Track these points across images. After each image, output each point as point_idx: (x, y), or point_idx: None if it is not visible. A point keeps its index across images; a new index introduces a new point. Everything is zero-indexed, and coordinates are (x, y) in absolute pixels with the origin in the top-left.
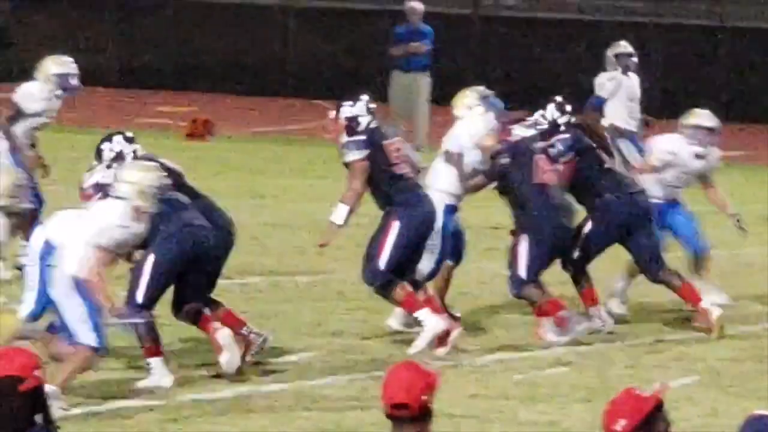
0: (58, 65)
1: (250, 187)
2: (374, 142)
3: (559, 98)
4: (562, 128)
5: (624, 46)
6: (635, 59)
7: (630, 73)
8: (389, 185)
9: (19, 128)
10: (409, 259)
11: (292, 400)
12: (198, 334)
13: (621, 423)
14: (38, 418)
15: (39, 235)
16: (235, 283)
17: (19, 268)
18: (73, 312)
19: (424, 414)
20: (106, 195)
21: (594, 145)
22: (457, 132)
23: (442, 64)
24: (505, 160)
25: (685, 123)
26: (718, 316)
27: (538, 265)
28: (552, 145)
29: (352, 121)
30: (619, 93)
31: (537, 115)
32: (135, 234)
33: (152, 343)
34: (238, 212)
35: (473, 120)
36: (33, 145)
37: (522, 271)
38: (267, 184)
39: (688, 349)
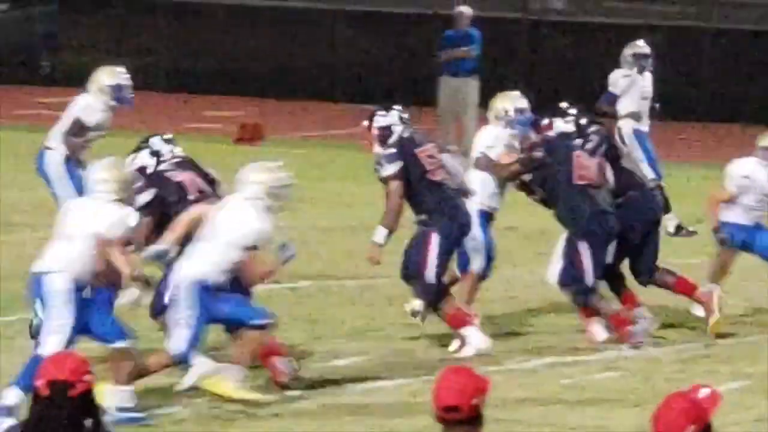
0: (111, 76)
1: (299, 191)
2: (406, 152)
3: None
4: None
5: (641, 46)
6: (651, 59)
7: (645, 73)
8: (426, 193)
9: (80, 142)
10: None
11: (341, 405)
12: None
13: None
14: (88, 422)
15: None
16: (284, 287)
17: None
18: (179, 315)
19: (474, 418)
20: (148, 182)
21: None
22: (482, 137)
23: (490, 68)
24: (539, 153)
25: (760, 145)
26: (718, 297)
27: (597, 270)
28: (588, 139)
29: (385, 130)
30: (632, 91)
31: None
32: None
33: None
34: (285, 215)
35: (491, 131)
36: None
37: (586, 278)
38: (316, 189)
39: (737, 353)
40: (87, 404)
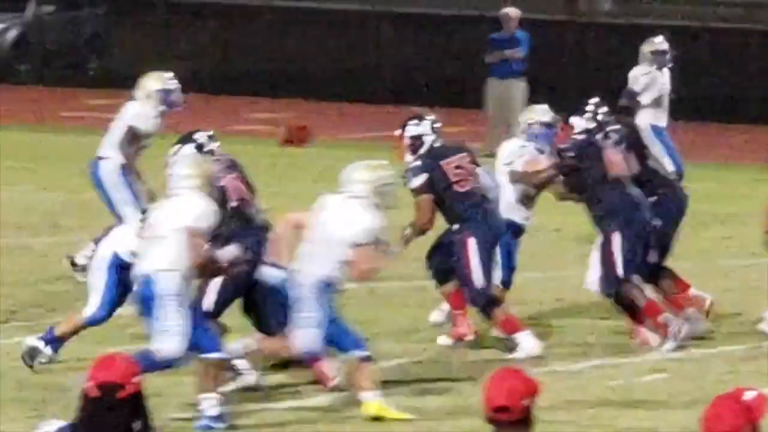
0: (159, 81)
1: None
2: (431, 165)
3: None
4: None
5: (659, 43)
6: (669, 56)
7: (663, 69)
8: (454, 203)
9: (134, 149)
10: None
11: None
12: None
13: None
14: (137, 424)
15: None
16: None
17: None
18: (305, 315)
19: (524, 419)
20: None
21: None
22: (504, 151)
23: (538, 70)
24: (570, 157)
25: None
26: (710, 301)
27: (631, 262)
28: (611, 133)
29: (417, 139)
30: (651, 88)
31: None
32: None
33: None
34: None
35: (513, 144)
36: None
37: (619, 269)
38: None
39: None
40: (136, 406)
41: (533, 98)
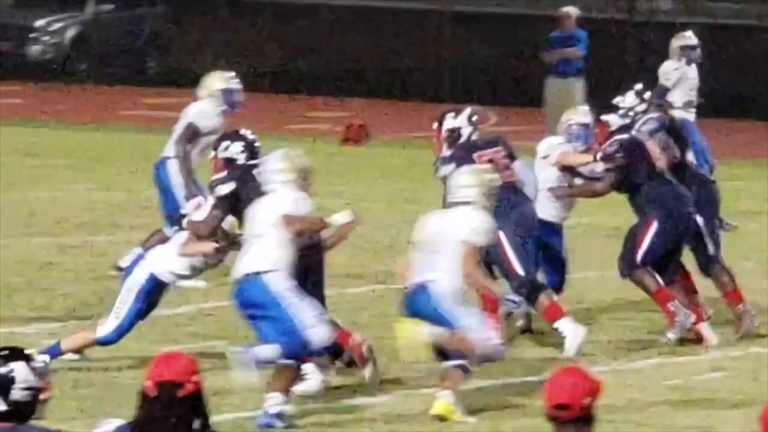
0: (222, 81)
1: (405, 192)
2: (463, 155)
3: (639, 86)
4: (639, 115)
5: (689, 38)
6: (698, 51)
7: (692, 65)
8: None
9: (196, 149)
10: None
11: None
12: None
13: None
14: (196, 423)
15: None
16: (392, 287)
17: None
18: (467, 321)
19: (585, 417)
20: (231, 172)
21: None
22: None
23: (596, 68)
24: (620, 157)
25: None
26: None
27: (654, 253)
28: (646, 123)
29: (454, 132)
30: (682, 83)
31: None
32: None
33: None
34: (393, 217)
35: (547, 141)
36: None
37: (639, 255)
38: (422, 190)
39: None
40: (195, 404)
41: (591, 97)
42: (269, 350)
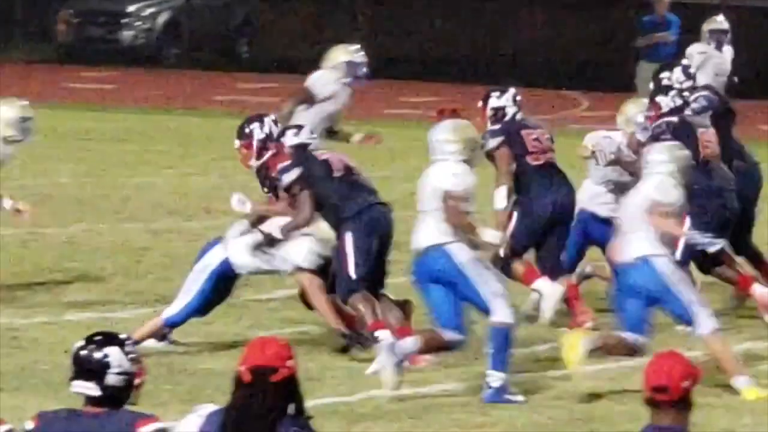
0: (347, 53)
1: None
2: (511, 130)
3: (686, 61)
4: (689, 93)
5: (719, 22)
6: (729, 35)
7: (724, 48)
8: (521, 174)
9: (309, 115)
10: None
11: (543, 390)
12: None
13: None
14: (290, 408)
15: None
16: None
17: None
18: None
19: (683, 401)
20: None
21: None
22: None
23: None
24: (666, 139)
25: None
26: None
27: (691, 251)
28: (695, 100)
29: (498, 111)
30: (706, 67)
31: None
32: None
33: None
34: (485, 201)
35: (614, 135)
36: (333, 131)
37: (678, 253)
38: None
39: None
40: (290, 389)
41: None
42: (411, 344)
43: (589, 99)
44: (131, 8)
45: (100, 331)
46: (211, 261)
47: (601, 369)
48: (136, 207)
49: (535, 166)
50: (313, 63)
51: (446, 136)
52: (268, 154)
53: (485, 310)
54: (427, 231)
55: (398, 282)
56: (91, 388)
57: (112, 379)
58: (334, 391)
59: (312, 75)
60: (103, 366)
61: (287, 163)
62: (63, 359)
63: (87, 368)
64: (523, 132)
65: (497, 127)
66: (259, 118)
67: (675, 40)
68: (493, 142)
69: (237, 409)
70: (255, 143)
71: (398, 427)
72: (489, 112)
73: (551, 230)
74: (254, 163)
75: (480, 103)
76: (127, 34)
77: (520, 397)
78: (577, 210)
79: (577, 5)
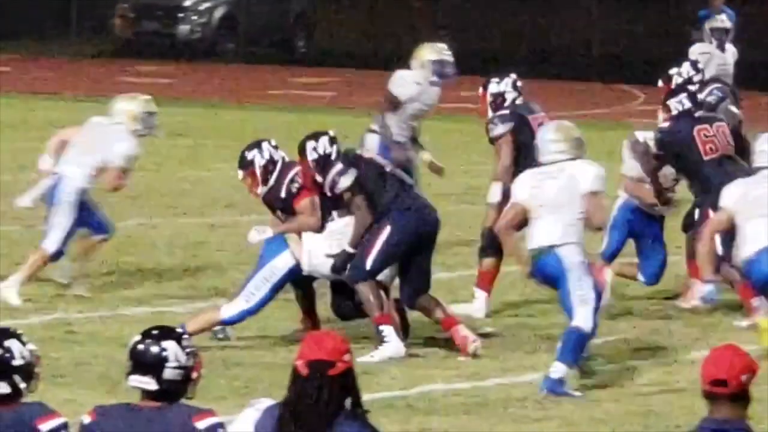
0: (434, 52)
1: None
2: (519, 116)
3: (694, 56)
4: (698, 86)
5: (721, 21)
6: (731, 34)
7: (727, 47)
8: (530, 159)
9: (395, 119)
10: None
11: (600, 385)
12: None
13: None
14: (347, 402)
15: None
16: None
17: None
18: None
19: (741, 395)
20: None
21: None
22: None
23: (746, 47)
24: (668, 138)
25: None
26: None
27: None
28: (709, 93)
29: (498, 97)
30: (709, 67)
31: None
32: None
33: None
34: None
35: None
36: (415, 139)
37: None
38: None
39: None
40: (346, 383)
41: (742, 75)
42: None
43: (646, 92)
44: (187, 2)
45: (156, 325)
46: (279, 268)
47: (658, 362)
48: (192, 201)
49: None
50: (369, 57)
51: (552, 137)
52: (272, 179)
53: (569, 312)
54: (547, 230)
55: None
56: (148, 383)
57: (169, 373)
58: (389, 385)
59: (394, 75)
60: (161, 360)
61: (340, 167)
62: (119, 353)
63: (144, 362)
64: (531, 117)
65: (506, 112)
66: (257, 145)
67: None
68: (502, 128)
69: (293, 404)
70: (258, 170)
71: (454, 421)
72: (489, 98)
73: None
74: (261, 190)
75: (480, 90)
76: (183, 29)
77: (577, 393)
78: (623, 202)
79: (633, 0)
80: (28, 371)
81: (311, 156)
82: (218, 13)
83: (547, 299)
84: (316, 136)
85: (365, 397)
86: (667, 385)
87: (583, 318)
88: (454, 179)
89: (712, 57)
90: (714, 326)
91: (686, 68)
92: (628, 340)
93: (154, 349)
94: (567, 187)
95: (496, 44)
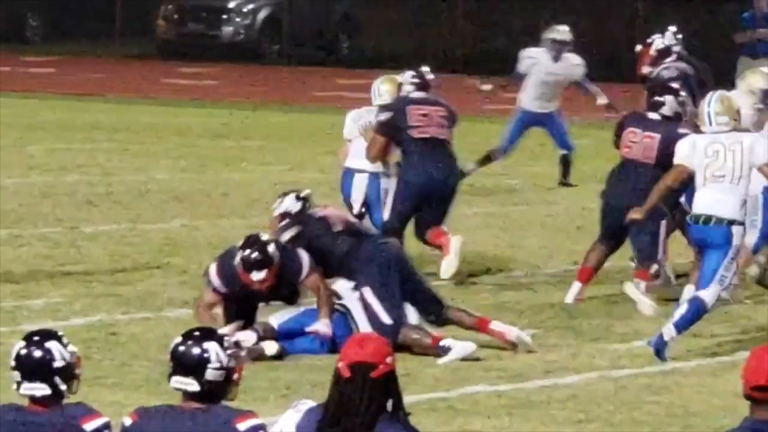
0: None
1: (599, 173)
2: (399, 107)
3: (673, 27)
4: (673, 57)
5: (561, 32)
6: (567, 46)
7: (566, 56)
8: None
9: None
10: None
11: (640, 386)
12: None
13: None
14: (389, 404)
15: None
16: (570, 270)
17: None
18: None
19: None
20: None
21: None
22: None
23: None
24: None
25: None
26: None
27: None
28: (666, 68)
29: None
30: (533, 73)
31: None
32: None
33: None
34: (580, 197)
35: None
36: None
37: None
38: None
39: None
40: (388, 386)
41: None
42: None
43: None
44: (231, 4)
45: (198, 326)
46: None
47: (699, 364)
48: (235, 203)
49: (417, 139)
50: (413, 58)
51: (716, 108)
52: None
53: (704, 281)
54: (722, 199)
55: None
56: (190, 384)
57: (210, 374)
58: (431, 387)
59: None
60: (202, 361)
61: (287, 221)
62: (161, 355)
63: (186, 364)
64: (410, 108)
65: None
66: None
67: None
68: (380, 116)
69: (335, 405)
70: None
71: (496, 423)
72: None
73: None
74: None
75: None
76: (227, 30)
77: (669, 359)
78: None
79: (678, 2)
80: (68, 373)
81: (275, 211)
82: (262, 14)
83: (588, 300)
84: (286, 193)
85: (407, 398)
86: (708, 387)
87: (711, 295)
88: (482, 178)
89: (538, 63)
90: (757, 327)
91: (668, 37)
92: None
93: (196, 350)
94: (744, 159)
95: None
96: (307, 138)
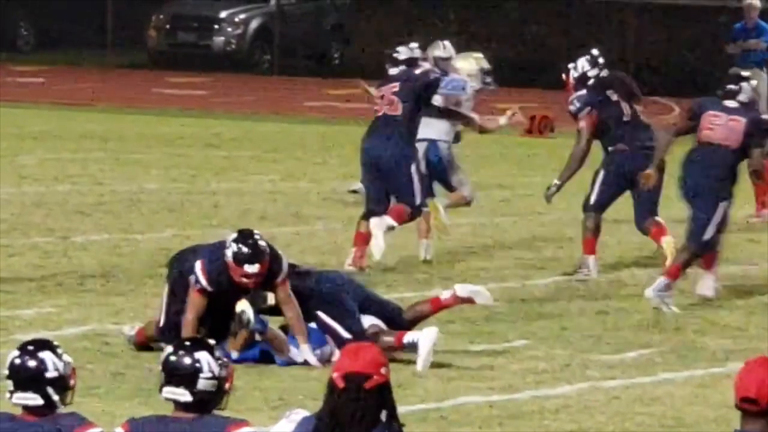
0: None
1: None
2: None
3: (595, 51)
4: (590, 82)
5: (444, 48)
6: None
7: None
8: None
9: None
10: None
11: (632, 397)
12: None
13: None
14: (383, 415)
15: None
16: (574, 279)
17: None
18: None
19: None
20: None
21: (616, 98)
22: None
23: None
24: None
25: None
26: None
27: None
28: (571, 103)
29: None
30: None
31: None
32: None
33: None
34: (576, 209)
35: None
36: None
37: None
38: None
39: None
40: (383, 396)
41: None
42: None
43: (679, 105)
44: (223, 14)
45: (189, 336)
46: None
47: (691, 375)
48: (226, 213)
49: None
50: None
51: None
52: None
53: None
54: None
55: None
56: (182, 394)
57: (202, 384)
58: (424, 398)
59: None
60: (194, 371)
61: None
62: (154, 365)
63: (177, 374)
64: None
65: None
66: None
67: (766, 47)
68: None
69: (329, 416)
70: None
71: None
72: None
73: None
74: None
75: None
76: (218, 40)
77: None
78: None
79: (672, 11)
80: (61, 384)
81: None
82: (253, 24)
83: (580, 311)
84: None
85: (400, 409)
86: (700, 398)
87: None
88: (484, 192)
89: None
90: (749, 338)
91: (581, 63)
92: (663, 352)
93: (187, 360)
94: None
95: (528, 54)
96: (298, 148)
